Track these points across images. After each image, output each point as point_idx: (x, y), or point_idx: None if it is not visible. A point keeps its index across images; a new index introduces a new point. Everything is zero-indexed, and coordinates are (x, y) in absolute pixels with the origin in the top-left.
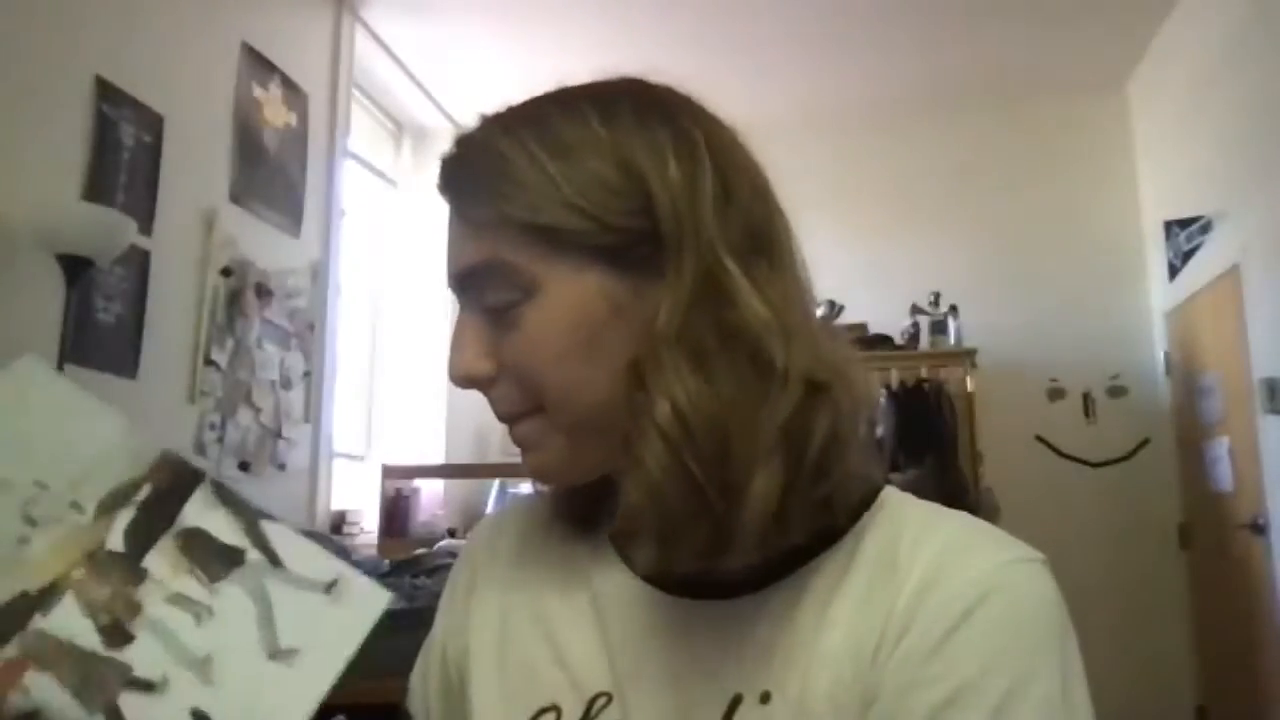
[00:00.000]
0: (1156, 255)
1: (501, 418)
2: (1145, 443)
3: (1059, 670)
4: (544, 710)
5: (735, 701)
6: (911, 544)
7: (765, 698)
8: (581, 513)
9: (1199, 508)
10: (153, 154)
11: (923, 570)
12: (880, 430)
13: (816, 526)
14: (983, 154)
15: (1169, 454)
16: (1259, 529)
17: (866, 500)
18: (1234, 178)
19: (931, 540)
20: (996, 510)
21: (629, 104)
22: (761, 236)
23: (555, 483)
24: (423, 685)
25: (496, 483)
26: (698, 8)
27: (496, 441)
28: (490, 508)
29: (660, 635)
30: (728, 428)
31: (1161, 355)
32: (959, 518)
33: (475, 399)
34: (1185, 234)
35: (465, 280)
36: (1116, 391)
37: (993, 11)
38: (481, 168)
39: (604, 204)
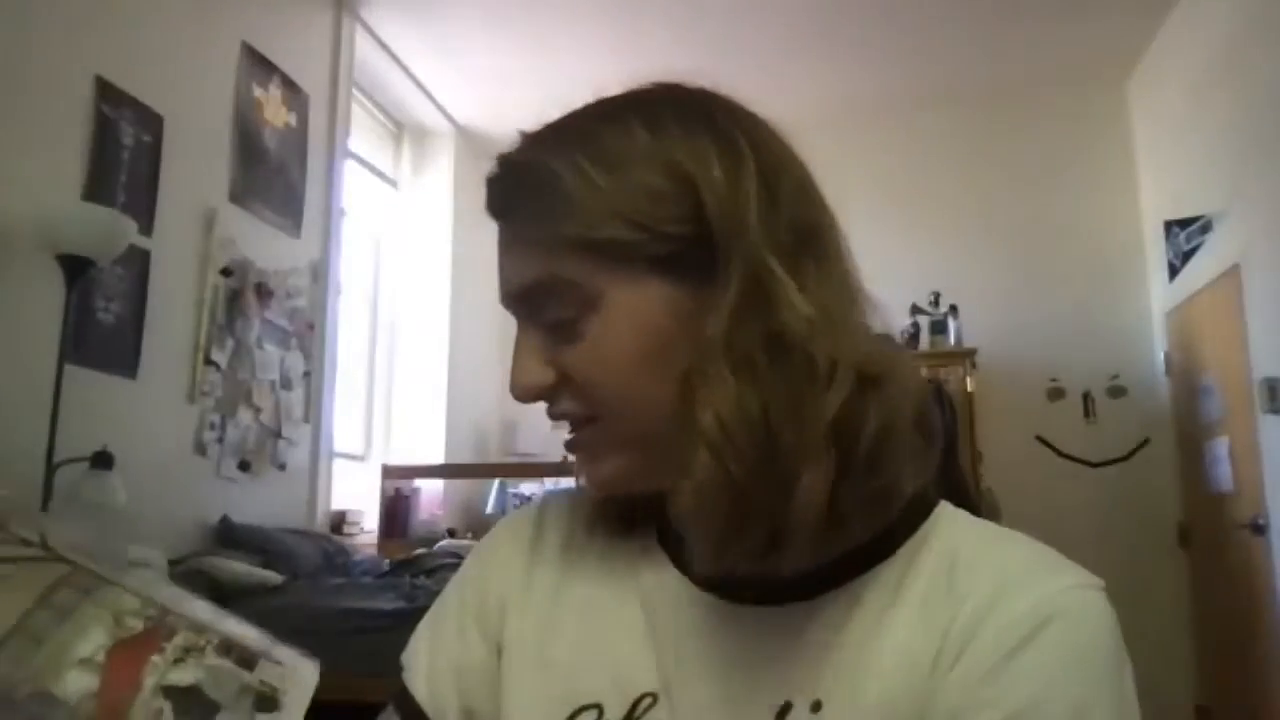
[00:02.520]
0: (1156, 255)
1: (561, 425)
2: (1145, 443)
3: (1115, 701)
4: (585, 708)
5: (785, 708)
6: (970, 563)
7: (816, 706)
8: (627, 512)
9: (1199, 508)
10: (153, 154)
11: (982, 591)
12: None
13: (874, 524)
14: (983, 154)
15: (1169, 454)
16: (1259, 529)
17: (922, 514)
18: (1234, 178)
19: (991, 561)
20: (997, 510)
21: (670, 110)
22: (807, 234)
23: (613, 493)
24: (452, 655)
25: (496, 483)
26: (696, 8)
27: (496, 441)
28: (490, 508)
29: (710, 638)
30: (771, 429)
31: (1161, 355)
32: (1019, 539)
33: (474, 399)
34: (1185, 234)
35: (524, 298)
36: (1116, 391)
37: (992, 11)
38: (531, 187)
39: (655, 213)
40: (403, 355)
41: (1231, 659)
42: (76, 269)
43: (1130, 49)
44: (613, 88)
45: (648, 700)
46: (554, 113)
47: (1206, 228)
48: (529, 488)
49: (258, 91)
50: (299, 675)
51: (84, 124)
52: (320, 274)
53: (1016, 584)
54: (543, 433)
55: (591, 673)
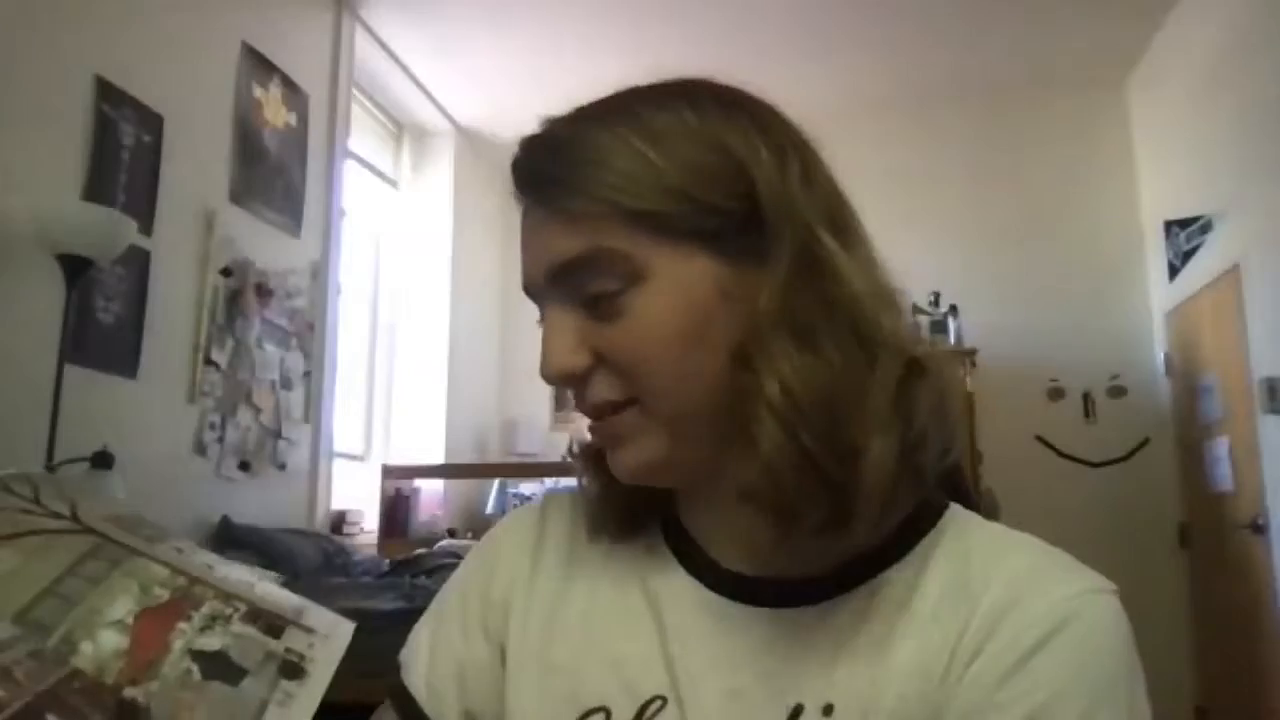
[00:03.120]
0: (1156, 255)
1: (593, 412)
2: (1145, 443)
3: (1127, 705)
4: (592, 711)
5: (797, 711)
6: (984, 566)
7: (828, 709)
8: (630, 513)
9: (1199, 508)
10: (153, 154)
11: (997, 594)
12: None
13: (915, 501)
14: (982, 154)
15: (1169, 454)
16: (1259, 529)
17: (933, 516)
18: (1234, 178)
19: (1005, 563)
20: (996, 510)
21: (709, 95)
22: (839, 218)
23: (647, 479)
24: (455, 655)
25: (496, 483)
26: (695, 8)
27: (496, 441)
28: (490, 508)
29: (720, 641)
30: (838, 398)
31: (1161, 355)
32: (1031, 541)
33: (474, 399)
34: (1185, 234)
35: (563, 272)
36: (1116, 391)
37: (992, 11)
38: (577, 160)
39: (705, 189)
40: (403, 355)
41: (1231, 659)
42: (76, 269)
43: (1130, 49)
44: (613, 88)
45: (657, 703)
46: (555, 112)
47: (1206, 228)
48: (529, 488)
49: (258, 91)
50: (328, 644)
51: (84, 124)
52: (320, 274)
53: (1031, 588)
54: (543, 433)
55: (598, 675)
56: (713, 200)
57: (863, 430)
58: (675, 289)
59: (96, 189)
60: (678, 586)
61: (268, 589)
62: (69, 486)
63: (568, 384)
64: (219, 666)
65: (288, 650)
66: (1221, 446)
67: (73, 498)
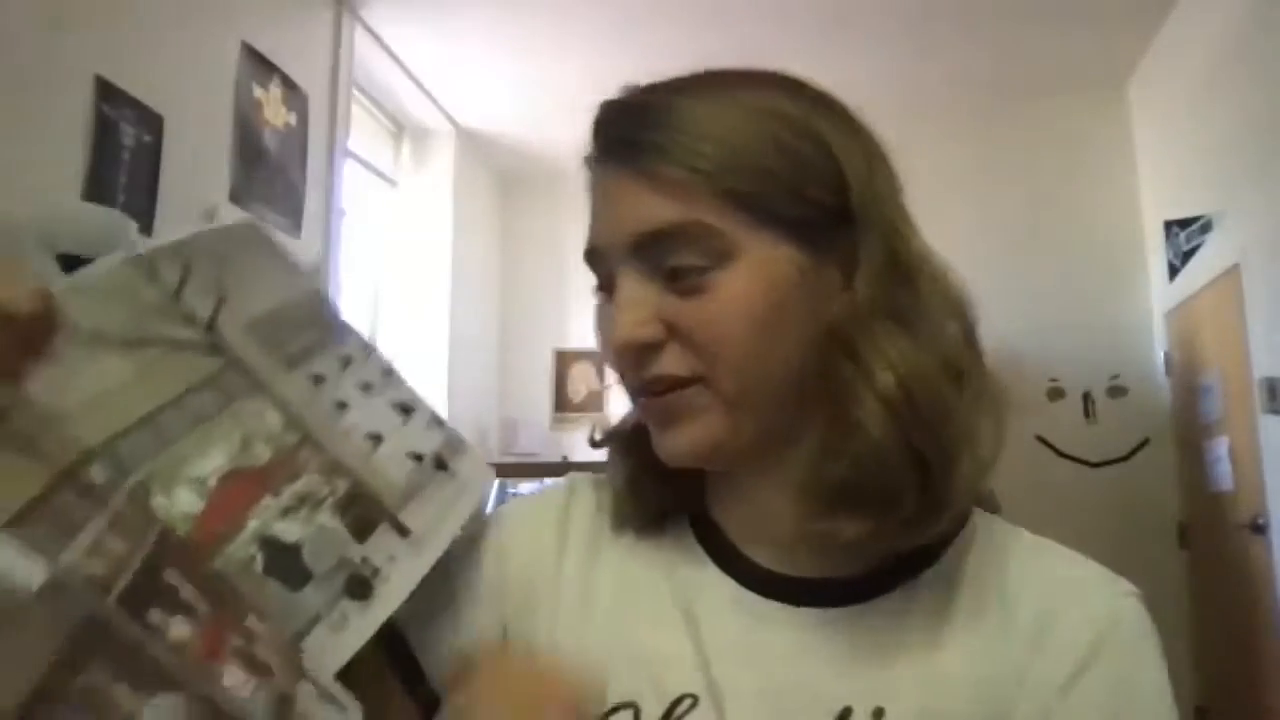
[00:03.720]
0: (1156, 255)
1: (655, 385)
2: (1145, 443)
3: (1171, 701)
4: (620, 707)
5: (845, 714)
6: (1020, 570)
7: (879, 713)
8: (657, 504)
9: (1199, 507)
10: (153, 154)
11: (1039, 599)
12: None
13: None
14: (982, 154)
15: (1169, 454)
16: (1259, 529)
17: (961, 519)
18: (1234, 178)
19: (1039, 567)
20: (996, 510)
21: (803, 88)
22: (913, 224)
23: (697, 460)
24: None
25: (495, 482)
26: (694, 11)
27: (496, 441)
28: (490, 508)
29: (756, 640)
30: (945, 396)
31: (1161, 355)
32: (1056, 545)
33: (474, 399)
34: (1185, 234)
35: (650, 240)
36: (1116, 391)
37: (992, 12)
38: (675, 125)
39: (799, 176)
40: (402, 355)
41: (1231, 659)
42: (76, 269)
43: (1130, 50)
44: (613, 88)
45: (687, 701)
46: (555, 113)
47: (1206, 228)
48: (528, 487)
49: (258, 91)
50: (413, 559)
51: (84, 124)
52: (320, 274)
53: (1072, 594)
54: (542, 432)
55: (626, 670)
56: (805, 189)
57: (959, 428)
58: (760, 272)
59: (96, 189)
60: (710, 583)
61: (407, 440)
62: (233, 266)
63: (636, 355)
64: (286, 563)
65: (364, 561)
66: (1221, 446)
67: (223, 290)
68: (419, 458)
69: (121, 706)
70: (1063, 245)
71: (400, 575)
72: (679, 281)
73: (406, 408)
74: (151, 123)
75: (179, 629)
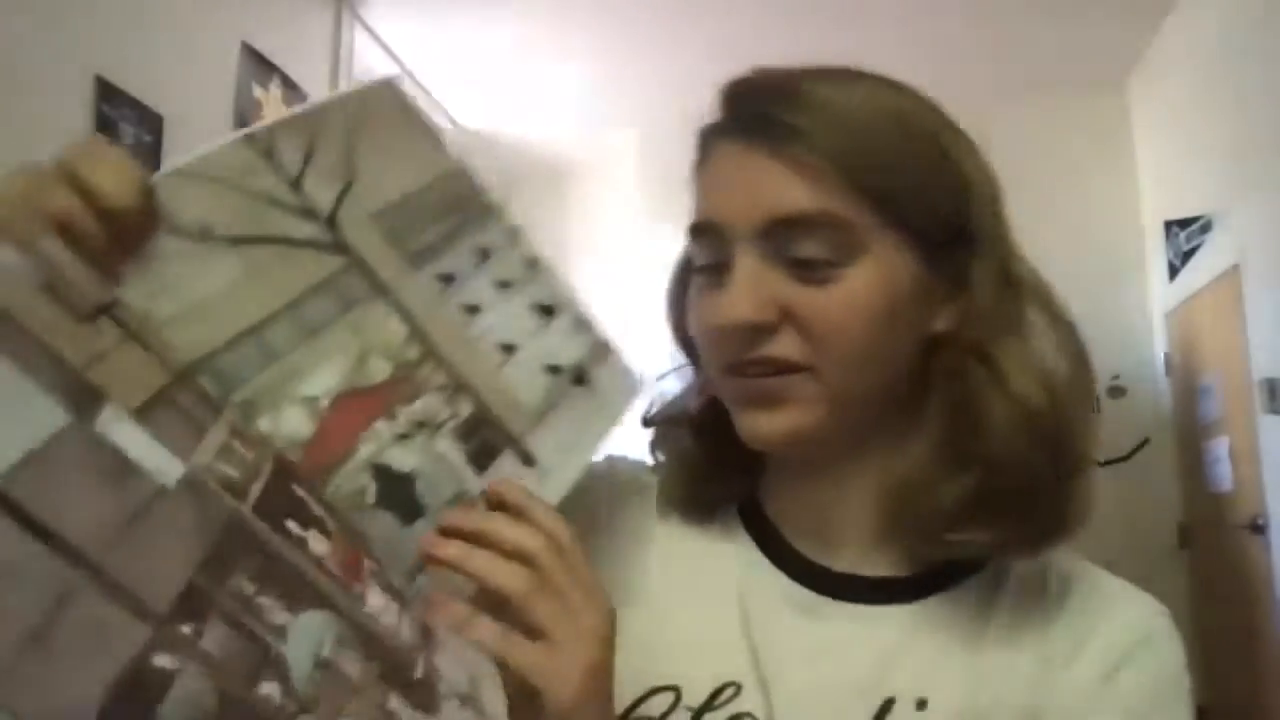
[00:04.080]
0: (1156, 255)
1: (762, 365)
2: (1145, 443)
3: (1191, 711)
4: (660, 689)
5: (887, 704)
6: (1061, 579)
7: (922, 704)
8: (705, 491)
9: (1199, 508)
10: (153, 154)
11: (1079, 607)
12: None
13: None
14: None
15: (1169, 454)
16: (1259, 529)
17: None
18: (1234, 178)
19: (1079, 579)
20: None
21: (922, 96)
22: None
23: (786, 447)
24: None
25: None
26: (692, 10)
27: None
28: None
29: (804, 633)
30: (1077, 409)
31: (1161, 355)
32: (1088, 563)
33: None
34: (1185, 234)
35: (784, 224)
36: (1116, 391)
37: (992, 11)
38: (818, 111)
39: (930, 185)
40: None
41: (1231, 659)
42: None
43: (1130, 50)
44: (613, 89)
45: (731, 689)
46: (555, 112)
47: (1206, 228)
48: None
49: (258, 91)
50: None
51: (84, 124)
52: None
53: (1112, 602)
54: None
55: (671, 653)
56: (933, 199)
57: (1085, 444)
58: (882, 273)
59: None
60: (760, 574)
61: (545, 349)
62: (365, 142)
63: (747, 334)
64: (398, 494)
65: (483, 495)
66: (1221, 446)
67: (351, 173)
68: (556, 370)
69: (270, 618)
70: (1062, 245)
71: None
72: (806, 269)
73: (548, 308)
74: (151, 122)
75: (317, 543)
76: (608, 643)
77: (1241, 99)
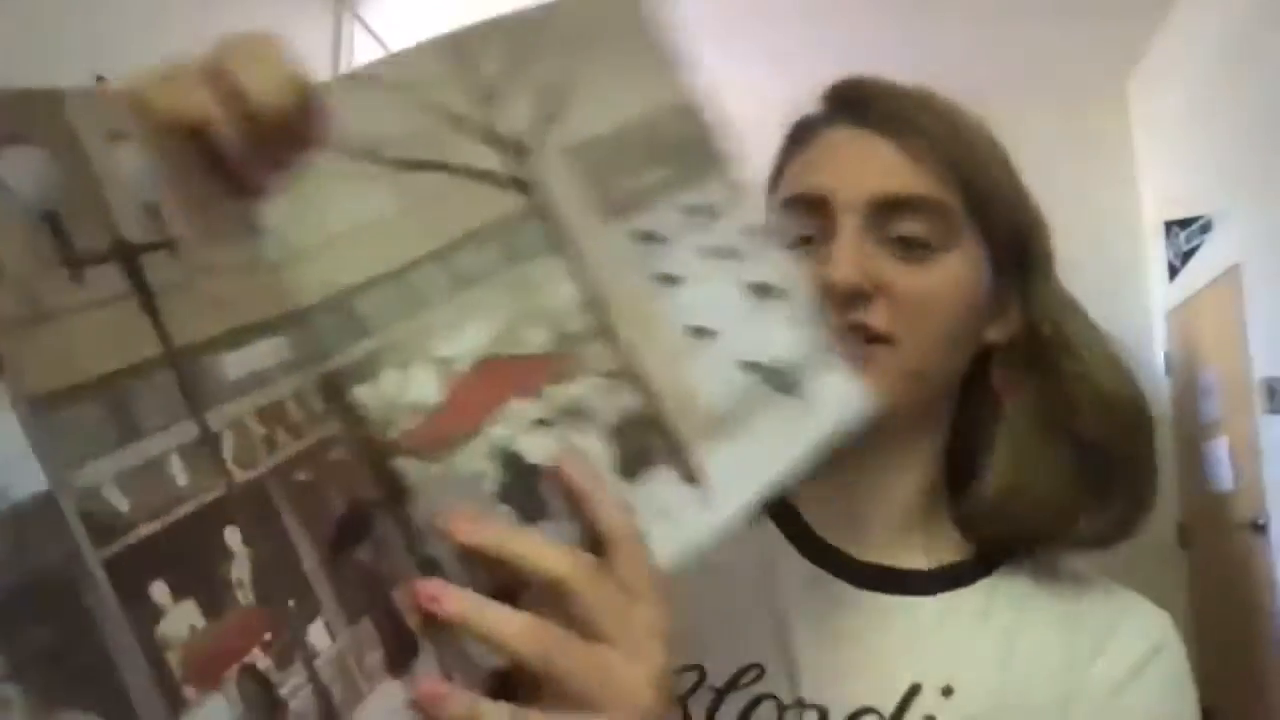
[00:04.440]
0: (1156, 255)
1: (848, 331)
2: None
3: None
4: (684, 669)
5: (913, 690)
6: (1086, 583)
7: (948, 691)
8: None
9: (1199, 507)
10: None
11: (1103, 609)
12: None
13: None
14: None
15: (1169, 454)
16: (1259, 529)
17: None
18: (1234, 178)
19: (1102, 584)
20: None
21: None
22: None
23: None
24: None
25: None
26: (690, 10)
27: None
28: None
29: (830, 619)
30: (1149, 408)
31: (1161, 355)
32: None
33: None
34: (1185, 234)
35: (894, 204)
36: None
37: (992, 11)
38: (932, 110)
39: (1008, 203)
40: None
41: (1231, 659)
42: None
43: (1130, 50)
44: None
45: (754, 671)
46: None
47: (1206, 228)
48: None
49: None
50: (679, 532)
51: None
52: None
53: (1130, 607)
54: None
55: (695, 634)
56: (1012, 214)
57: (1150, 443)
58: (971, 265)
59: None
60: (787, 560)
61: (749, 340)
62: (584, 60)
63: (846, 298)
64: (522, 490)
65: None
66: (1221, 446)
67: (560, 98)
68: (756, 368)
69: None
70: (1062, 245)
71: (663, 541)
72: (905, 248)
73: (765, 288)
74: None
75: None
76: (670, 643)
77: (1241, 99)
